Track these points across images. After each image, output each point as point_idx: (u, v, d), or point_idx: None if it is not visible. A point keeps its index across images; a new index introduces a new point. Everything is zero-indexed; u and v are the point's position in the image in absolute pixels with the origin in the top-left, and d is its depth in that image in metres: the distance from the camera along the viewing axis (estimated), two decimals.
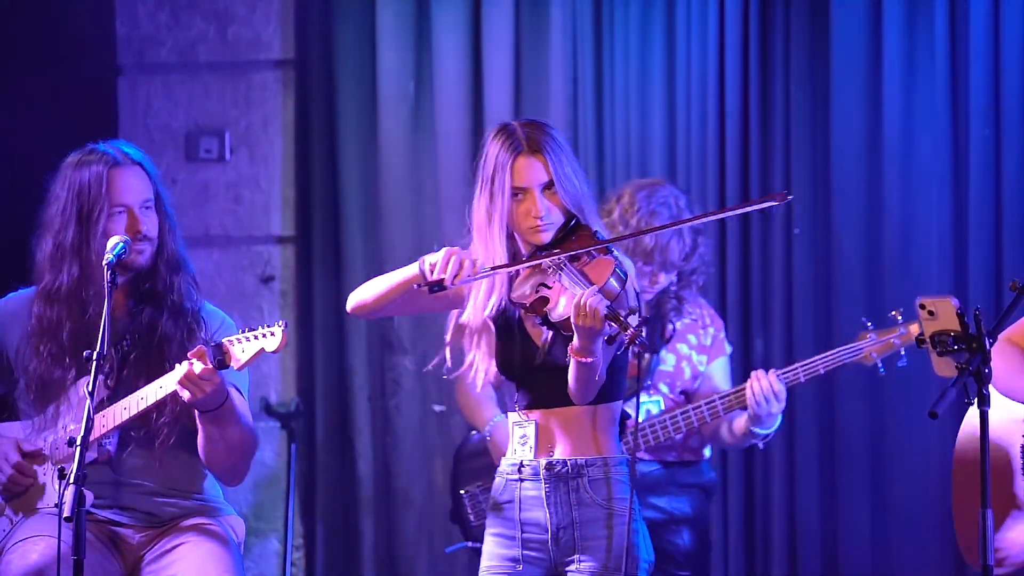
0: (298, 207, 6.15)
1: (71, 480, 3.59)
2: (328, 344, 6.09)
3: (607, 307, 3.43)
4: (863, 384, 5.60)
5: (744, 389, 4.81)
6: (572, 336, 3.53)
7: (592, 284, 3.51)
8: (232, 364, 3.83)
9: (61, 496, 3.63)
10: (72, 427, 4.04)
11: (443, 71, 5.97)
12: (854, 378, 5.61)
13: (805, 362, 4.88)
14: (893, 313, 4.87)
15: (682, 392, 5.02)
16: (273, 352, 3.83)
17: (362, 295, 3.78)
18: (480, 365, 3.78)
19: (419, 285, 3.63)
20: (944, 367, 3.44)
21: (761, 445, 4.98)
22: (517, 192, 3.66)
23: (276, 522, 6.00)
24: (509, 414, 3.78)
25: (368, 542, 6.07)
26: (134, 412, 3.94)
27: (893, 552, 5.60)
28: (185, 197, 6.07)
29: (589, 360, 3.51)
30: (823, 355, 4.89)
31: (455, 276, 3.57)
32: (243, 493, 6.01)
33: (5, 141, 5.76)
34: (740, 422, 4.87)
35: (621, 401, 3.73)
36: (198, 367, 3.81)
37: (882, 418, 5.62)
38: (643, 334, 3.40)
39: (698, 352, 5.04)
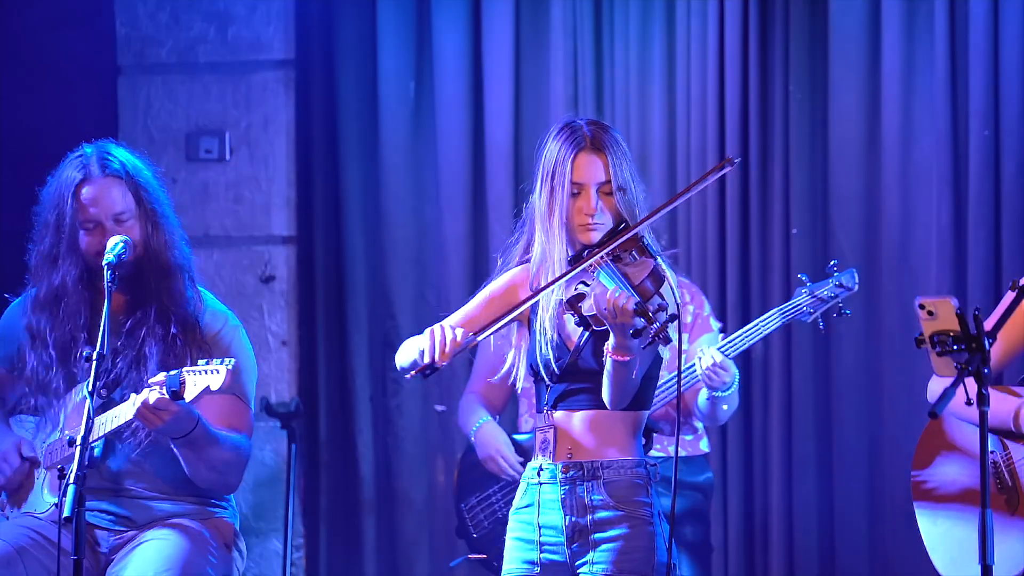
0: (298, 207, 6.15)
1: (71, 480, 3.59)
2: (329, 344, 6.10)
3: (636, 303, 3.43)
4: (861, 383, 5.61)
5: (693, 365, 4.80)
6: (606, 334, 3.54)
7: (629, 281, 3.52)
8: (185, 396, 3.77)
9: (61, 496, 3.63)
10: (67, 433, 4.05)
11: (443, 71, 5.97)
12: (853, 376, 5.62)
13: (744, 329, 4.84)
14: (828, 267, 4.82)
15: (668, 372, 4.97)
16: (216, 391, 3.76)
17: (401, 362, 3.76)
18: (520, 367, 3.77)
19: (414, 373, 3.60)
20: (944, 367, 3.43)
21: (726, 407, 4.88)
22: (574, 188, 3.65)
23: (276, 522, 6.00)
24: (537, 416, 3.77)
25: (369, 542, 6.07)
26: (108, 429, 3.92)
27: (890, 551, 5.60)
28: (185, 197, 6.07)
29: (626, 358, 3.50)
30: (761, 318, 4.84)
31: (443, 353, 3.54)
32: (243, 493, 6.01)
33: (5, 141, 5.76)
34: (702, 394, 4.84)
35: (647, 412, 3.72)
36: (152, 396, 3.77)
37: (880, 417, 5.62)
38: (668, 329, 3.40)
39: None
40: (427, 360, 3.56)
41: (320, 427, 6.12)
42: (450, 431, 5.98)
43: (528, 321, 3.75)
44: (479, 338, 3.63)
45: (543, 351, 3.68)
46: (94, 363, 3.72)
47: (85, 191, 4.06)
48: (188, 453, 3.95)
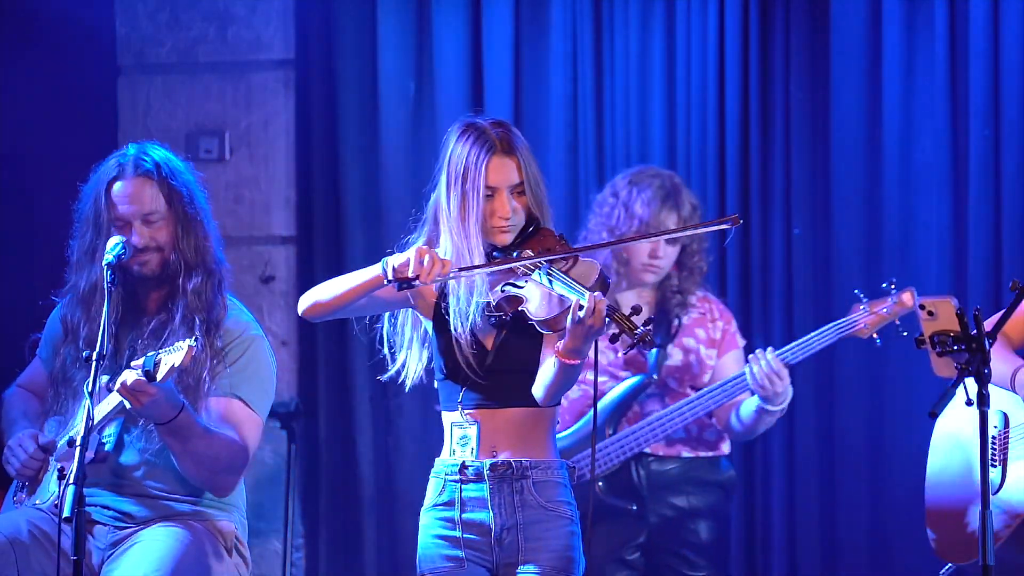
0: (299, 207, 6.15)
1: (71, 480, 3.59)
2: (330, 344, 6.09)
3: (607, 307, 3.43)
4: (863, 383, 5.61)
5: (744, 375, 4.84)
6: (525, 332, 3.58)
7: (581, 285, 3.51)
8: (157, 377, 3.77)
9: (61, 496, 3.63)
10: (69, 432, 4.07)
11: (443, 71, 5.97)
12: (854, 377, 5.62)
13: (800, 341, 4.90)
14: (886, 284, 4.91)
15: (692, 387, 5.03)
16: (180, 367, 3.76)
17: (319, 296, 3.73)
18: (412, 366, 3.81)
19: (389, 281, 3.60)
20: (944, 367, 3.45)
21: (773, 422, 4.97)
22: (487, 191, 3.66)
23: (276, 522, 6.00)
24: (445, 415, 3.79)
25: (370, 542, 6.06)
26: (104, 414, 3.92)
27: (891, 551, 5.60)
28: None
29: (577, 362, 3.51)
30: (818, 331, 4.91)
31: (428, 274, 3.55)
32: None
33: (5, 141, 5.76)
34: (748, 405, 4.89)
35: (559, 407, 3.77)
36: (131, 377, 3.78)
37: (881, 418, 5.62)
38: (651, 334, 3.40)
39: (707, 346, 5.07)
40: (411, 274, 3.54)
41: (320, 427, 6.11)
42: None
43: (435, 320, 3.75)
44: (463, 275, 3.62)
45: (462, 351, 3.68)
46: (94, 363, 3.73)
47: (116, 188, 4.09)
48: (173, 443, 3.95)
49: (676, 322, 5.05)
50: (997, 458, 4.05)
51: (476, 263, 3.63)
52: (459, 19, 5.95)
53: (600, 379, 5.07)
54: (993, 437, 4.07)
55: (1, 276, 4.31)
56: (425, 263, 3.53)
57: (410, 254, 3.56)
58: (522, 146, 3.68)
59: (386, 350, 3.86)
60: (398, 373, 3.85)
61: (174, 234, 4.10)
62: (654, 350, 5.01)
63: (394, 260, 3.58)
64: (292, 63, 6.15)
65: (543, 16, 5.90)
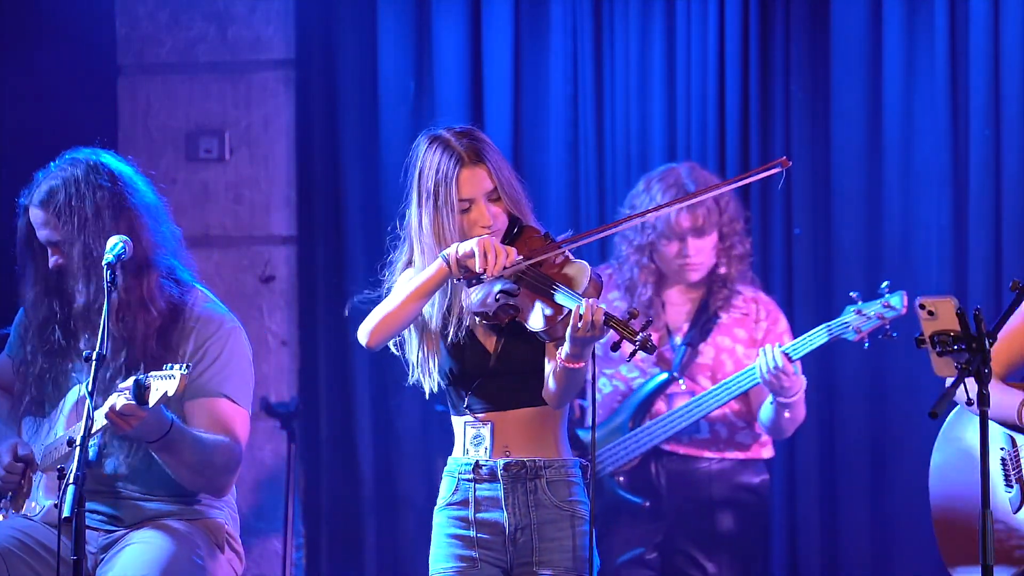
0: (299, 207, 6.16)
1: (70, 480, 3.59)
2: (330, 344, 6.09)
3: (605, 314, 3.42)
4: (864, 384, 5.61)
5: (750, 371, 4.86)
6: (523, 333, 3.57)
7: (572, 289, 3.50)
8: (148, 402, 3.73)
9: (61, 496, 3.63)
10: (62, 433, 4.06)
11: (443, 71, 5.98)
12: (854, 377, 5.62)
13: (801, 338, 4.89)
14: (883, 287, 4.87)
15: None
16: (173, 396, 3.72)
17: (383, 311, 3.64)
18: (424, 374, 3.78)
19: (457, 279, 3.58)
20: (944, 367, 3.44)
21: (788, 415, 4.92)
22: (463, 204, 3.64)
23: (277, 522, 6.00)
24: (455, 418, 3.78)
25: (370, 542, 6.07)
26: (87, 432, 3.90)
27: (893, 552, 5.60)
28: (185, 197, 6.07)
29: (581, 365, 3.51)
30: (810, 332, 4.88)
31: (494, 266, 3.51)
32: (243, 493, 5.99)
33: (5, 140, 5.76)
34: (765, 406, 4.90)
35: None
36: (119, 402, 3.75)
37: (882, 418, 5.62)
38: (651, 339, 3.38)
39: (746, 346, 5.06)
40: (479, 269, 3.51)
41: (320, 427, 6.11)
42: (450, 431, 5.97)
43: (440, 330, 3.73)
44: (526, 263, 3.56)
45: (464, 358, 3.68)
46: (94, 363, 3.72)
47: (31, 216, 4.11)
48: (167, 457, 3.94)
49: (713, 321, 5.04)
50: (1012, 478, 4.02)
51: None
52: (459, 19, 5.95)
53: (631, 375, 5.12)
54: (1003, 459, 4.05)
55: (4, 275, 4.31)
56: (489, 256, 3.51)
57: (473, 245, 3.53)
58: (490, 151, 3.65)
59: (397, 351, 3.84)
60: (419, 380, 3.82)
61: (87, 246, 4.01)
62: (682, 347, 5.03)
63: (456, 253, 3.55)
64: (292, 63, 6.16)
65: (543, 16, 5.90)
